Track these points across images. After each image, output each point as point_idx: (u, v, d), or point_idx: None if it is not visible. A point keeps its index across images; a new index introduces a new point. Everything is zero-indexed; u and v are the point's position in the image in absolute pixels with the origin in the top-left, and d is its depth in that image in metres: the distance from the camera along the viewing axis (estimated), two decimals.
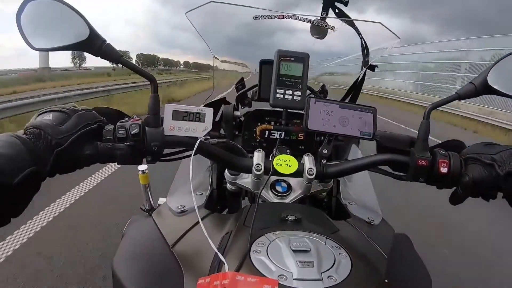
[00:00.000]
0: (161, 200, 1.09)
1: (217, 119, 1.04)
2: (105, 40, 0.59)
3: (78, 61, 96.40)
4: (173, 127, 0.65)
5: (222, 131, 1.06)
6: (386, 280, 0.54)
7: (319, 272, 0.45)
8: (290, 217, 0.59)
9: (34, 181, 0.50)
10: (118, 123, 0.61)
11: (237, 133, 1.05)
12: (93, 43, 0.57)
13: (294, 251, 0.48)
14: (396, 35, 0.95)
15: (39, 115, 0.57)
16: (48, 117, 0.56)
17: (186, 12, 0.86)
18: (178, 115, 0.66)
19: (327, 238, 0.54)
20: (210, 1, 0.86)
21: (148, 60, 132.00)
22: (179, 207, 0.76)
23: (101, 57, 0.60)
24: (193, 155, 0.64)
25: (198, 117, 0.67)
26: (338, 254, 0.50)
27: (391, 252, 0.66)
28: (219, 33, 1.11)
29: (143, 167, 1.10)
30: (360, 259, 0.52)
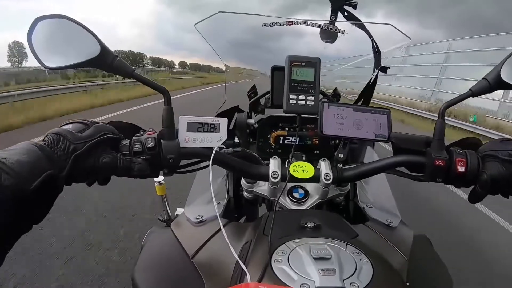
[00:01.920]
0: (179, 211, 1.09)
1: (230, 127, 1.04)
2: (117, 56, 0.59)
3: (17, 60, 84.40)
4: (188, 139, 0.66)
5: (236, 139, 1.06)
6: (407, 283, 0.53)
7: (341, 279, 0.44)
8: (309, 224, 0.59)
9: (53, 186, 0.50)
10: (134, 137, 0.62)
11: (251, 140, 1.05)
12: (105, 59, 0.58)
13: (315, 259, 0.47)
14: (406, 35, 0.94)
15: (60, 127, 0.58)
16: (68, 126, 0.57)
17: (195, 24, 0.86)
18: (192, 127, 0.66)
19: (347, 244, 0.53)
20: (219, 12, 0.87)
21: (133, 58, 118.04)
22: (197, 217, 0.76)
23: (113, 73, 0.61)
24: (204, 166, 0.64)
25: (213, 128, 0.67)
26: (359, 260, 0.49)
27: (411, 254, 0.65)
28: (229, 41, 1.12)
29: (159, 178, 1.11)
30: (381, 264, 0.51)
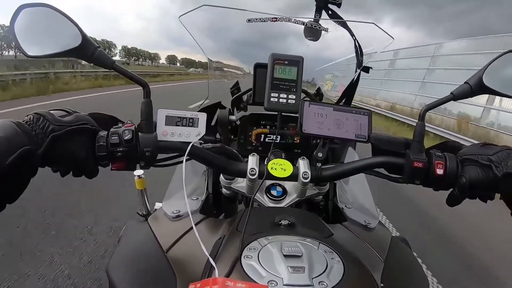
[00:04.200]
0: (157, 205, 1.08)
1: (212, 123, 1.03)
2: (98, 47, 0.59)
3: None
4: (166, 132, 0.65)
5: (218, 136, 1.05)
6: (382, 285, 0.54)
7: (310, 278, 0.44)
8: (284, 222, 0.59)
9: (28, 163, 0.50)
10: (112, 129, 0.61)
11: (232, 137, 1.05)
12: (86, 49, 0.58)
13: (285, 256, 0.47)
14: (390, 35, 0.95)
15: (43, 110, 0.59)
16: (51, 111, 0.58)
17: (180, 16, 0.85)
18: (171, 120, 0.66)
19: (320, 242, 0.53)
20: (203, 5, 0.86)
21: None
22: (174, 211, 0.75)
23: (94, 64, 0.60)
24: (185, 160, 0.64)
25: (191, 122, 0.67)
26: (331, 259, 0.49)
27: (387, 255, 0.65)
28: (213, 36, 1.11)
29: (139, 172, 1.09)
30: (353, 264, 0.51)
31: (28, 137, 0.50)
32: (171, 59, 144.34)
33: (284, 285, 0.43)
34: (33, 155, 0.50)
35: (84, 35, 0.57)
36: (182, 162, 0.67)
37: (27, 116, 0.54)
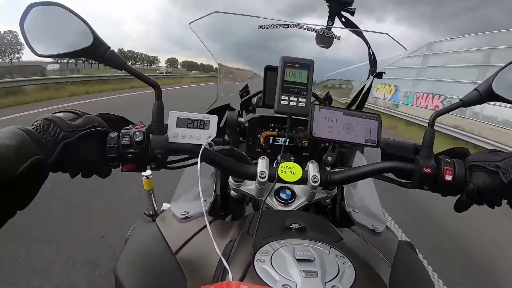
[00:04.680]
0: (165, 206, 1.09)
1: (221, 125, 1.04)
2: (109, 47, 0.59)
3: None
4: (177, 134, 0.65)
5: (226, 137, 1.06)
6: None
7: (323, 282, 0.44)
8: (294, 225, 0.59)
9: (40, 171, 0.49)
10: (123, 130, 0.62)
11: (241, 139, 1.05)
12: (97, 50, 0.58)
13: (298, 260, 0.47)
14: (402, 46, 0.96)
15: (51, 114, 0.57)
16: (59, 114, 0.57)
17: (190, 23, 0.86)
18: (182, 122, 0.66)
19: (331, 247, 0.53)
20: (214, 12, 0.87)
21: None
22: (183, 213, 0.75)
23: (105, 64, 0.60)
24: (191, 163, 0.64)
25: (202, 125, 0.67)
26: (342, 264, 0.49)
27: (395, 260, 0.65)
28: (224, 42, 1.12)
29: (147, 172, 1.10)
30: (364, 268, 0.52)
31: (39, 145, 0.49)
32: (172, 62, 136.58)
33: None
34: (44, 163, 0.49)
35: (95, 35, 0.57)
36: (192, 164, 0.68)
37: (36, 121, 0.53)
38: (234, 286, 0.41)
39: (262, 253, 0.50)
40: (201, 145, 0.65)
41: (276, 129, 1.01)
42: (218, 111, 1.04)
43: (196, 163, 0.65)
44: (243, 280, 0.45)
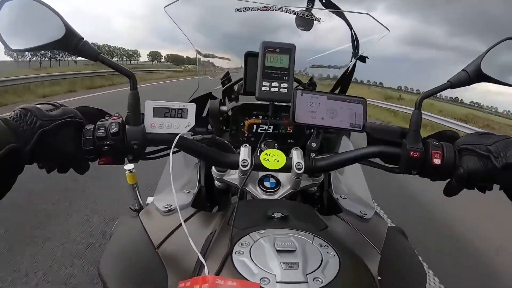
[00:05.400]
0: (149, 199, 1.07)
1: (204, 114, 1.02)
2: (82, 38, 0.58)
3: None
4: (154, 124, 0.64)
5: (210, 127, 1.04)
6: (379, 278, 0.52)
7: (304, 274, 0.42)
8: (277, 215, 0.57)
9: (16, 160, 0.49)
10: (98, 122, 0.60)
11: (224, 128, 1.03)
12: (70, 41, 0.57)
13: (278, 251, 0.46)
14: (385, 26, 0.94)
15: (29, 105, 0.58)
16: (37, 105, 0.57)
17: (165, 7, 0.83)
18: (159, 112, 0.64)
19: (314, 236, 0.52)
20: None
21: None
22: (166, 206, 0.74)
23: (78, 55, 0.59)
24: (172, 152, 0.62)
25: (180, 113, 0.65)
26: (326, 253, 0.47)
27: (384, 247, 0.64)
28: (202, 26, 1.09)
29: (129, 166, 1.08)
30: (349, 258, 0.50)
31: (15, 134, 0.50)
32: (154, 56, 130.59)
33: (277, 282, 0.41)
34: (20, 152, 0.50)
35: (68, 26, 0.56)
36: (170, 154, 0.66)
37: (14, 111, 0.53)
38: (210, 280, 0.40)
39: (241, 244, 0.48)
40: (179, 134, 0.63)
41: (260, 117, 0.99)
42: (200, 100, 1.02)
43: (176, 152, 0.63)
44: (220, 274, 0.43)
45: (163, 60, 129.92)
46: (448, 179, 0.65)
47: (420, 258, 0.66)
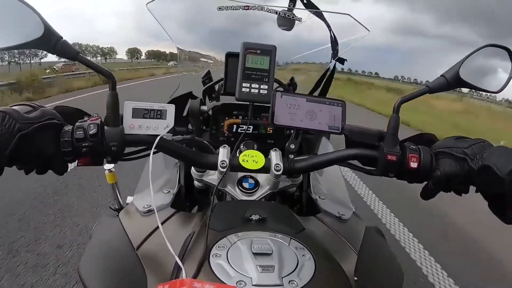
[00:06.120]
0: (129, 199, 1.05)
1: (184, 114, 1.01)
2: (61, 37, 0.56)
3: None
4: (133, 126, 0.63)
5: (190, 127, 1.03)
6: (355, 278, 0.53)
7: (280, 277, 0.43)
8: (254, 216, 0.57)
9: None
10: (77, 123, 0.59)
11: (204, 128, 1.03)
12: (48, 40, 0.55)
13: (255, 254, 0.46)
14: (365, 27, 0.94)
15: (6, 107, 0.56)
16: (15, 107, 0.56)
17: (147, 3, 0.82)
18: (138, 113, 0.63)
19: (291, 238, 0.52)
20: None
21: None
22: (145, 206, 0.73)
23: (57, 55, 0.58)
24: (152, 153, 0.62)
25: (159, 114, 0.64)
26: (302, 256, 0.48)
27: (361, 247, 0.65)
28: (184, 24, 1.08)
29: (109, 166, 1.06)
30: (325, 260, 0.51)
31: None
32: (133, 53, 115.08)
33: (253, 285, 0.41)
34: None
35: (46, 25, 0.54)
36: (148, 155, 0.65)
37: None
38: (187, 283, 0.40)
39: (219, 247, 0.49)
40: (158, 135, 0.62)
41: (240, 117, 0.99)
42: (180, 100, 1.01)
43: (155, 153, 0.63)
44: (197, 277, 0.43)
45: (143, 57, 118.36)
46: (425, 182, 0.66)
47: (397, 258, 0.67)
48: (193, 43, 1.16)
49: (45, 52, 0.59)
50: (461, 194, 0.64)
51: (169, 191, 0.85)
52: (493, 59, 0.66)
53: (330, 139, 1.21)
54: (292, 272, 0.44)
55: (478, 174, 0.58)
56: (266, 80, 0.73)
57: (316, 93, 1.15)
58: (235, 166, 0.68)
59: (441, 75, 0.66)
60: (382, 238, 0.75)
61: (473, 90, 0.69)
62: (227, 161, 0.68)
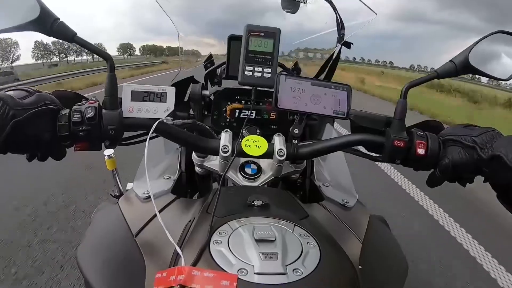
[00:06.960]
0: (129, 185, 1.04)
1: (185, 99, 0.99)
2: (58, 18, 0.55)
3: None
4: (132, 109, 0.62)
5: (191, 112, 1.01)
6: (360, 267, 0.52)
7: (284, 265, 0.41)
8: (257, 202, 0.56)
9: None
10: (74, 107, 0.58)
11: (206, 113, 1.01)
12: (45, 21, 0.54)
13: (257, 241, 0.44)
14: (372, 10, 0.92)
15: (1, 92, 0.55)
16: (10, 92, 0.55)
17: None
18: (137, 96, 0.62)
19: (295, 225, 0.51)
20: None
21: None
22: (145, 192, 0.72)
23: (54, 37, 0.56)
24: (150, 138, 0.60)
25: (159, 97, 0.63)
26: (306, 244, 0.46)
27: (366, 236, 0.64)
28: (185, 9, 1.05)
29: (109, 151, 1.05)
30: (330, 248, 0.49)
31: None
32: (125, 49, 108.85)
33: (255, 273, 0.40)
34: None
35: (42, 6, 0.53)
36: (145, 140, 0.64)
37: None
38: (186, 271, 0.39)
39: (219, 233, 0.47)
40: (158, 119, 0.60)
41: (242, 102, 0.97)
42: (182, 84, 0.99)
43: (155, 138, 0.61)
44: (197, 265, 0.42)
45: (137, 53, 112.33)
46: (432, 170, 0.64)
47: (401, 247, 0.66)
48: (194, 28, 1.14)
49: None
50: (465, 185, 0.63)
51: (169, 177, 0.84)
52: (503, 46, 0.64)
53: (335, 125, 1.19)
54: (297, 260, 0.43)
55: (488, 163, 0.56)
56: (270, 63, 0.72)
57: (321, 78, 1.12)
58: (237, 151, 0.66)
59: (450, 60, 0.64)
60: (387, 227, 0.74)
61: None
62: (229, 145, 0.66)
